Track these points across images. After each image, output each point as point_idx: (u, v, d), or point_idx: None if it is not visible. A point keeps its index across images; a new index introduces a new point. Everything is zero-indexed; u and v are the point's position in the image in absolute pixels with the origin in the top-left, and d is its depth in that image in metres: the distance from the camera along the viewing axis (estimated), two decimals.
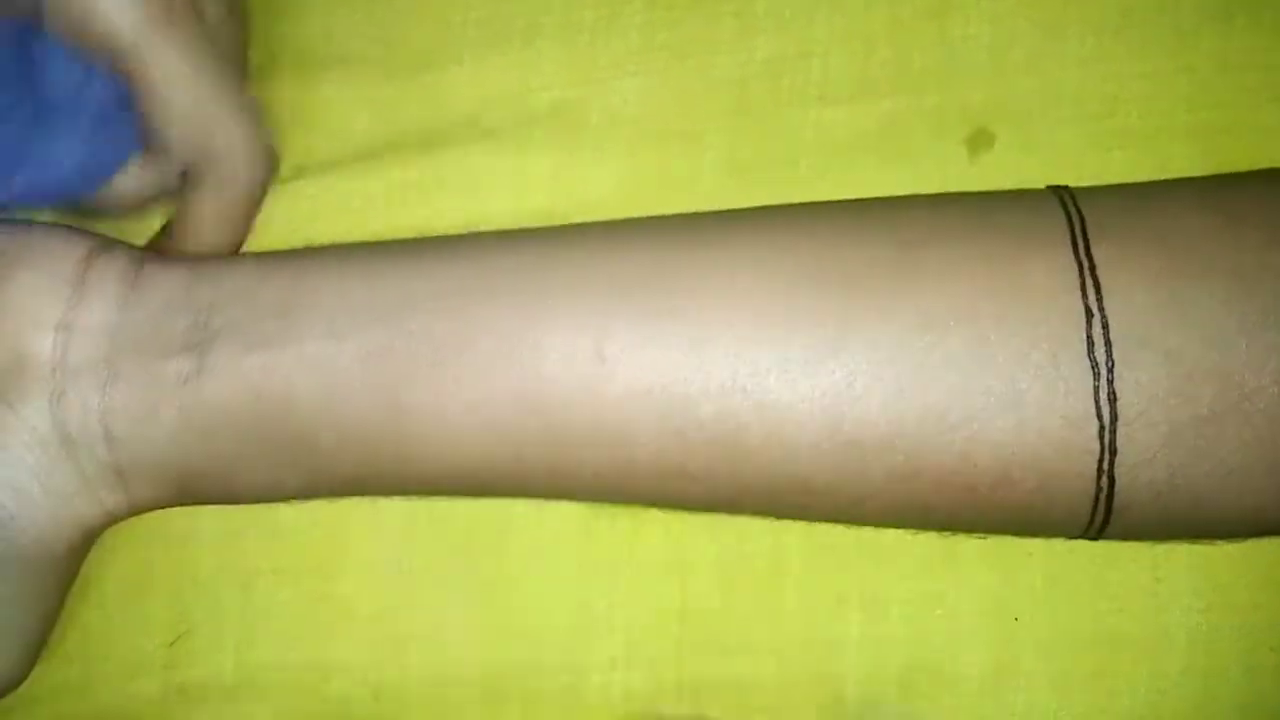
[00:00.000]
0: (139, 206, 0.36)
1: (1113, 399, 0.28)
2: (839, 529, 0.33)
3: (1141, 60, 0.35)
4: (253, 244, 0.36)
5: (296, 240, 0.36)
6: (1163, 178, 0.33)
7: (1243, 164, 0.33)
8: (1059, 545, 0.33)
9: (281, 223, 0.37)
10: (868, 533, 0.33)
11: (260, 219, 0.36)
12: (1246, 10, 0.35)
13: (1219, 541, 0.33)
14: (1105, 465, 0.28)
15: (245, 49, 0.37)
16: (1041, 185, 0.32)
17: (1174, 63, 0.35)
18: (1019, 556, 0.34)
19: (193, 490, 0.33)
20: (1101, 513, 0.29)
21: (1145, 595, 0.34)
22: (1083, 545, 0.32)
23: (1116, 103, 0.35)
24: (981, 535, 0.32)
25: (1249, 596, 0.34)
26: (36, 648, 0.34)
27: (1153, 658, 0.34)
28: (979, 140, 0.35)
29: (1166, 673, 0.34)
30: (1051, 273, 0.29)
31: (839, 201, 0.33)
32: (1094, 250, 0.29)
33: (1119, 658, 0.34)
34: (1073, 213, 0.30)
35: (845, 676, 0.34)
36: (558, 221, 0.35)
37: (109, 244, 0.33)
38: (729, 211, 0.33)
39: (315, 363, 0.31)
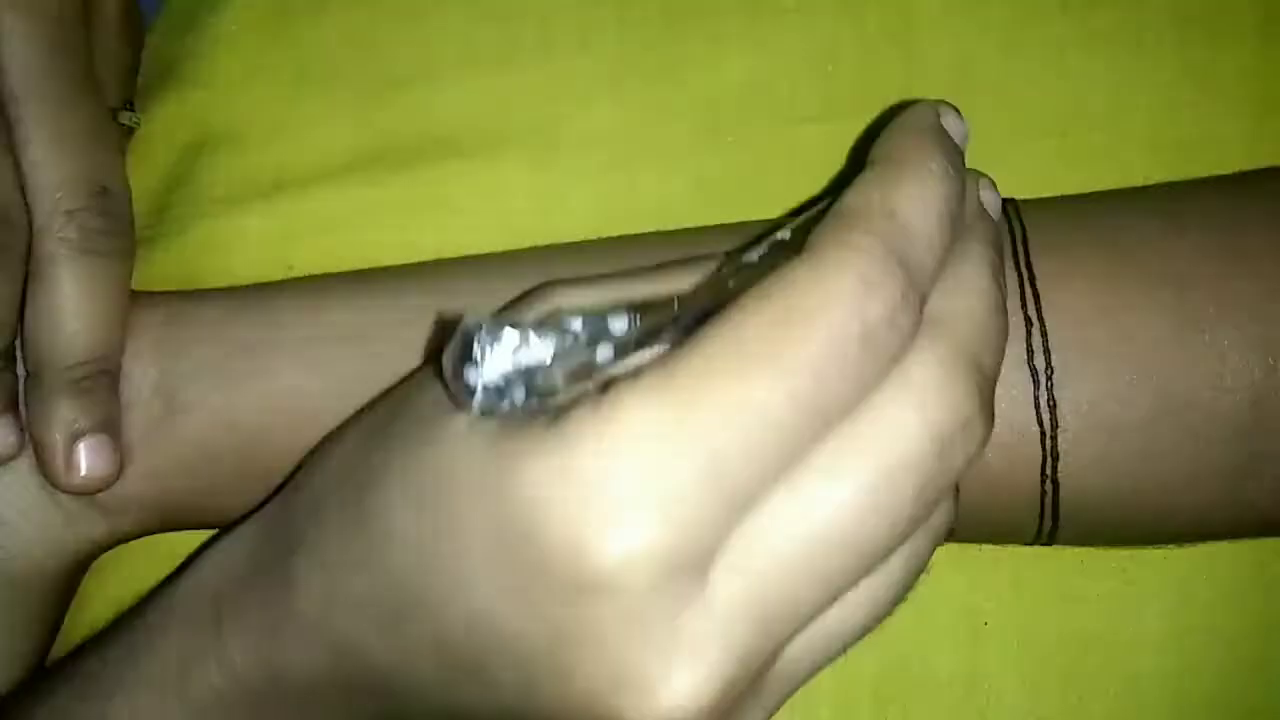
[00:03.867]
0: None
1: (1053, 406, 0.29)
2: None
3: (1102, 75, 0.35)
4: (230, 259, 0.37)
5: (273, 255, 0.37)
6: None
7: (1204, 176, 0.33)
8: (1027, 550, 0.33)
9: (258, 238, 0.37)
10: None
11: (237, 234, 0.37)
12: (1205, 24, 0.35)
13: (1175, 545, 0.33)
14: (1049, 471, 0.29)
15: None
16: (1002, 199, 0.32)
17: (1134, 78, 0.35)
18: (988, 561, 0.34)
19: (176, 518, 0.34)
20: (1049, 518, 0.30)
21: (1115, 597, 0.34)
22: (1051, 549, 0.33)
23: (1078, 118, 0.35)
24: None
25: (1218, 596, 0.34)
26: (32, 667, 0.34)
27: (1124, 659, 0.34)
28: None
29: (1138, 674, 0.34)
30: None
31: None
32: (1035, 261, 0.30)
33: (1090, 660, 0.34)
34: (1015, 225, 0.31)
35: (817, 682, 0.34)
36: (532, 238, 0.35)
37: None
38: (693, 229, 0.34)
39: (287, 396, 0.32)
